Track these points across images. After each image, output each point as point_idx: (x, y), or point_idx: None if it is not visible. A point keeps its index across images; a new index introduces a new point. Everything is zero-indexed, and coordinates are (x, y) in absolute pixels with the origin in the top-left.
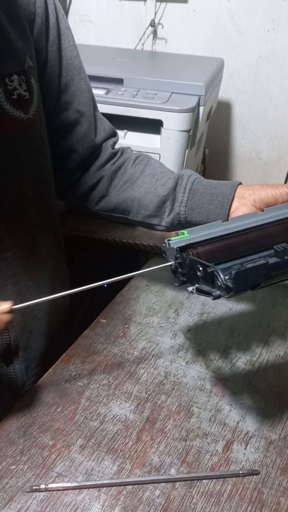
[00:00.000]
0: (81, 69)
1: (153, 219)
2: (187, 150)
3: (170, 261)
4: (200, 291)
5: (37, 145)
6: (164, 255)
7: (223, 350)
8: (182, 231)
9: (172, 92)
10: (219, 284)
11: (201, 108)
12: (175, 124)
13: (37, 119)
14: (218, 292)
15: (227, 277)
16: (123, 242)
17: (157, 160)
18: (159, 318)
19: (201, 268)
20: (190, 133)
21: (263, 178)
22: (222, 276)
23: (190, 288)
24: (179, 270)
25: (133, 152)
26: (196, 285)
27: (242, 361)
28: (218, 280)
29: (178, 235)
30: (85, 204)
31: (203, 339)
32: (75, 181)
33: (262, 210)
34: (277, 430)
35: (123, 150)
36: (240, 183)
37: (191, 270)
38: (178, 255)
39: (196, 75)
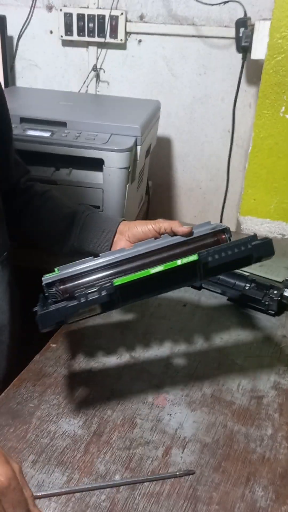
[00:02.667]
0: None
1: (54, 247)
2: (127, 185)
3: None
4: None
5: None
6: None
7: (164, 365)
8: (56, 268)
9: (112, 134)
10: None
11: (139, 147)
12: (115, 162)
13: None
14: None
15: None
16: None
17: (59, 196)
18: (106, 339)
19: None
20: (130, 170)
21: (204, 206)
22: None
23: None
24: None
25: (40, 186)
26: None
27: (181, 374)
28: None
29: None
30: None
31: (147, 356)
32: None
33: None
34: (211, 434)
35: (32, 185)
36: (123, 220)
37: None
38: (45, 290)
39: (133, 118)
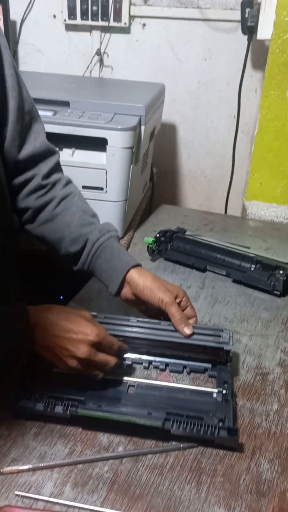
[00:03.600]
0: (15, 87)
1: (63, 261)
2: (131, 166)
3: None
4: None
5: None
6: None
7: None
8: None
9: (115, 113)
10: None
11: (143, 127)
12: (118, 141)
13: None
14: None
15: None
16: None
17: (81, 207)
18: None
19: None
20: (134, 150)
21: (209, 195)
22: None
23: None
24: None
25: (64, 187)
26: None
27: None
28: None
29: None
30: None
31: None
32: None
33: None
34: None
35: (53, 184)
36: (138, 265)
37: None
38: None
39: (137, 98)
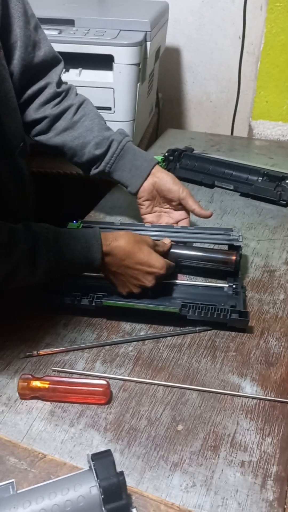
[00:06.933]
0: None
1: (83, 167)
2: (138, 84)
3: None
4: None
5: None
6: None
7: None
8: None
9: (121, 29)
10: None
11: (148, 43)
12: (125, 58)
13: None
14: None
15: None
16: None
17: (97, 113)
18: None
19: None
20: (140, 67)
21: (214, 121)
22: None
23: None
24: None
25: (77, 95)
26: None
27: None
28: None
29: None
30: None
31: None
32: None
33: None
34: None
35: (67, 92)
36: (158, 163)
37: None
38: None
39: (142, 14)
